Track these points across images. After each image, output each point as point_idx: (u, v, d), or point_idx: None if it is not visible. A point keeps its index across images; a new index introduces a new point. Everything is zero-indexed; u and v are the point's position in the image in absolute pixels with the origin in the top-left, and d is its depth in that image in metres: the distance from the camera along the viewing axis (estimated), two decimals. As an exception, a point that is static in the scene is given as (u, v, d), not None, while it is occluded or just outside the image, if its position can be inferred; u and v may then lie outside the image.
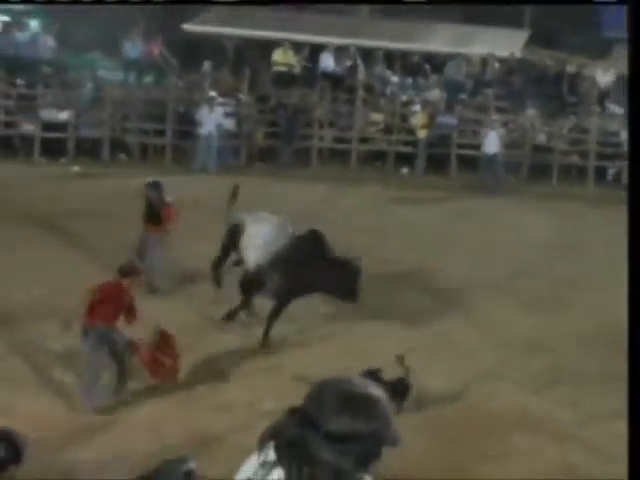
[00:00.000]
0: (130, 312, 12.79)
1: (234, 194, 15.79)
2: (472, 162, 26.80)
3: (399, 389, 11.63)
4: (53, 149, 25.67)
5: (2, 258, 16.57)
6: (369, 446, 3.60)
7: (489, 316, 15.88)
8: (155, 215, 16.34)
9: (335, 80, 28.68)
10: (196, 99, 27.02)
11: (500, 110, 27.74)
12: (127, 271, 13.02)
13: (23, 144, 25.75)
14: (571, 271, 18.35)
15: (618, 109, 28.11)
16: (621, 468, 11.32)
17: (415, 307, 15.91)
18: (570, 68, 29.49)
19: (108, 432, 11.49)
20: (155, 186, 16.70)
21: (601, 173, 27.05)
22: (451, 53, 30.28)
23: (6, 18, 30.24)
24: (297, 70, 29.22)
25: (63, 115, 26.05)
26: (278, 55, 29.12)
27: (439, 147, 27.11)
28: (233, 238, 15.25)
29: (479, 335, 15.08)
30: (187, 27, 31.18)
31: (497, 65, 29.61)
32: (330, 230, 14.83)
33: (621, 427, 12.34)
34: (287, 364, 13.61)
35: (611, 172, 27.15)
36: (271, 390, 12.48)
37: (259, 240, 14.90)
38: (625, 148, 26.87)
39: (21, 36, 29.08)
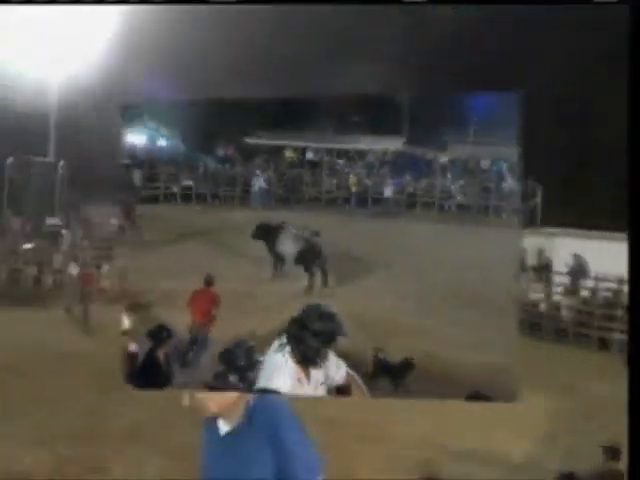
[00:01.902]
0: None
1: None
2: (379, 201, 30.72)
3: (402, 368, 10.58)
4: (186, 198, 28.29)
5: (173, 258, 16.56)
6: (331, 336, 4.85)
7: (392, 278, 16.10)
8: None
9: (313, 163, 34.68)
10: (248, 174, 32.18)
11: (392, 175, 32.71)
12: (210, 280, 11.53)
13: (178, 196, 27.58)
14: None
15: (451, 176, 31.13)
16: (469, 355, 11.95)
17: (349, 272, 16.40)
18: (428, 155, 32.82)
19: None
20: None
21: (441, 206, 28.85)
22: (368, 149, 35.99)
23: (144, 136, 31.15)
24: (295, 159, 34.91)
25: (189, 182, 30.38)
26: (287, 153, 35.21)
27: (362, 194, 31.79)
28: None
29: (383, 289, 15.50)
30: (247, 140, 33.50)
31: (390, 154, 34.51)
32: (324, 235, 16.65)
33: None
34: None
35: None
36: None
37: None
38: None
39: (159, 143, 31.64)
